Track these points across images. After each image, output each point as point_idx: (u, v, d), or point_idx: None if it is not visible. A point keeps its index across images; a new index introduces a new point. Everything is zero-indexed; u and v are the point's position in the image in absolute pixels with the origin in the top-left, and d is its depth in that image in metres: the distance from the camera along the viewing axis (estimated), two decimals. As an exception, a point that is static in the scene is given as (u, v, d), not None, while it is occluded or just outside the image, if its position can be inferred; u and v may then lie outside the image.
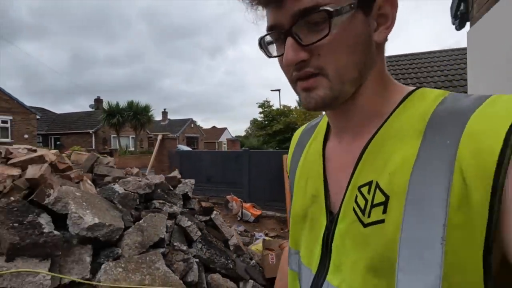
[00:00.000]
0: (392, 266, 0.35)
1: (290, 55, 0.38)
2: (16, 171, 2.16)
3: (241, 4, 0.40)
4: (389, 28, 0.42)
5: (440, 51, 8.97)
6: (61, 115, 27.44)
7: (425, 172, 0.35)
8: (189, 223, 2.81)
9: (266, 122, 18.67)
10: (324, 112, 0.53)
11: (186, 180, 3.44)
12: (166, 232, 2.56)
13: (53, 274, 1.65)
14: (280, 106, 19.57)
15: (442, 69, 7.94)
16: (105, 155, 3.17)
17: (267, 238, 4.62)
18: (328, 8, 0.36)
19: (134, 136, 22.80)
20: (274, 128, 17.11)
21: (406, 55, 9.21)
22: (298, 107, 18.90)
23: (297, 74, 0.41)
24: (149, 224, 2.36)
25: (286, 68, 0.42)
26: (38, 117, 18.85)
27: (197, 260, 2.66)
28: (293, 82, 0.43)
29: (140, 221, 2.32)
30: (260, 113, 18.86)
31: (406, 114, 0.42)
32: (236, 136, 43.49)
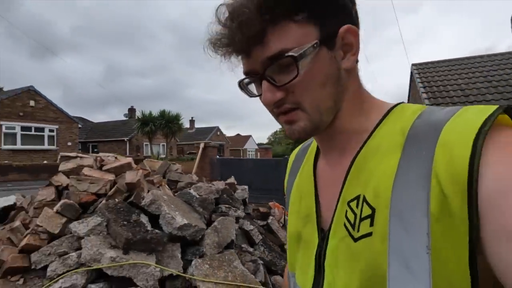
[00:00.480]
0: (384, 279, 0.36)
1: (268, 97, 0.41)
2: (111, 176, 2.47)
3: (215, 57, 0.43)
4: (355, 54, 0.44)
5: (481, 56, 8.68)
6: (98, 123, 29.19)
7: (405, 184, 0.36)
8: (252, 226, 3.00)
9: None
10: None
11: (242, 187, 3.65)
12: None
13: (160, 266, 1.89)
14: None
15: (485, 75, 7.68)
16: (173, 162, 3.45)
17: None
18: (292, 54, 0.38)
19: (164, 143, 23.72)
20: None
21: (444, 61, 9.01)
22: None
23: (277, 110, 0.44)
24: (222, 226, 2.57)
25: (265, 106, 0.44)
26: (79, 126, 20.23)
27: (261, 262, 2.83)
28: (276, 116, 0.46)
29: (215, 223, 2.54)
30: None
31: (387, 129, 0.44)
32: (259, 144, 43.82)
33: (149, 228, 2.05)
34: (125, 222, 2.00)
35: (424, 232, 0.33)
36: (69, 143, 19.10)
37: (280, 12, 0.38)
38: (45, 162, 15.65)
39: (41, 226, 1.96)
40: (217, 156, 8.69)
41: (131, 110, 29.72)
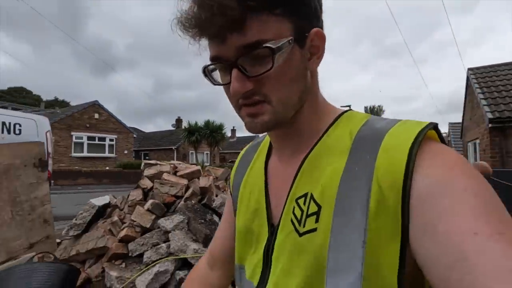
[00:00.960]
0: (323, 271, 0.38)
1: (237, 86, 0.40)
2: (185, 181, 2.85)
3: (185, 37, 0.41)
4: (320, 57, 0.46)
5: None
6: (149, 133, 31.65)
7: (350, 183, 0.39)
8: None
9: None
10: None
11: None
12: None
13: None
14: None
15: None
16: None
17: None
18: (270, 45, 0.38)
19: (208, 152, 24.85)
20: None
21: (506, 64, 8.35)
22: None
23: (243, 101, 0.43)
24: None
25: (233, 96, 0.43)
26: (134, 135, 22.17)
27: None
28: (238, 107, 0.44)
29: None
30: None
31: (338, 132, 0.46)
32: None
33: (221, 226, 2.36)
34: (202, 221, 2.33)
35: (362, 228, 0.36)
36: (125, 151, 21.02)
37: (261, 2, 0.38)
38: (107, 168, 17.43)
39: (135, 221, 2.37)
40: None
41: (178, 121, 31.72)
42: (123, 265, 2.21)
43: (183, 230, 2.29)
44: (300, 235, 0.42)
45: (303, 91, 0.45)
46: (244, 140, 35.32)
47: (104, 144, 19.64)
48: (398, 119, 0.43)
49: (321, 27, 0.45)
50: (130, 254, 2.28)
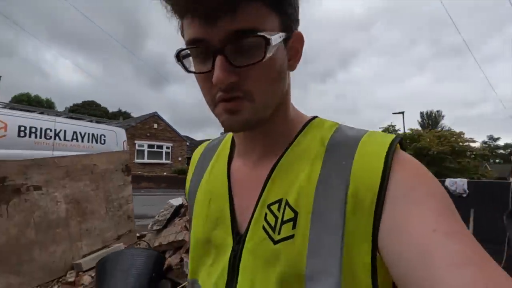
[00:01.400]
0: (301, 278, 0.37)
1: (222, 75, 0.36)
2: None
3: (164, 11, 0.37)
4: (298, 60, 0.45)
5: None
6: (200, 141, 33.50)
7: (326, 188, 0.39)
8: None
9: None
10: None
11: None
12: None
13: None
14: (405, 130, 18.08)
15: None
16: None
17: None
18: (265, 35, 0.35)
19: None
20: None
21: None
22: (419, 129, 16.82)
23: (222, 95, 0.39)
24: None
25: (213, 87, 0.39)
26: (187, 143, 23.77)
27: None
28: (215, 103, 0.41)
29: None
30: (383, 138, 17.70)
31: (309, 138, 0.46)
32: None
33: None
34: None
35: (340, 231, 0.37)
36: (179, 158, 22.63)
37: None
38: (164, 173, 19.03)
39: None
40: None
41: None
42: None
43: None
44: (275, 242, 0.40)
45: (283, 91, 0.44)
46: None
47: (162, 152, 21.43)
48: (365, 129, 0.46)
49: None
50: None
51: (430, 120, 49.48)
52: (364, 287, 0.36)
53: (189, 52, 0.40)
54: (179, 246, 2.75)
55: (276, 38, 0.37)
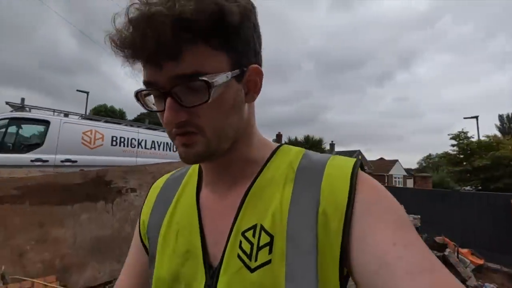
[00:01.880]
0: None
1: (171, 116, 0.39)
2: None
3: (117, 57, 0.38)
4: (257, 92, 0.46)
5: None
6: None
7: (298, 211, 0.41)
8: (429, 255, 3.14)
9: (462, 156, 15.78)
10: None
11: (414, 215, 3.80)
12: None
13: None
14: (479, 136, 16.07)
15: None
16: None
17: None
18: (207, 79, 0.37)
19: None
20: (477, 163, 14.08)
21: None
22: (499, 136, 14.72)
23: (176, 131, 0.41)
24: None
25: (165, 125, 0.41)
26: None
27: None
28: (173, 136, 0.43)
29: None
30: (453, 145, 16.15)
31: (278, 164, 0.48)
32: (407, 169, 38.50)
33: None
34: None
35: (314, 253, 0.38)
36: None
37: (197, 32, 0.36)
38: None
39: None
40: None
41: (278, 136, 33.17)
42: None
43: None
44: (252, 270, 0.40)
45: (239, 124, 0.45)
46: (343, 154, 33.08)
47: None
48: (328, 154, 0.48)
49: (259, 63, 0.46)
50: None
51: (511, 123, 42.79)
52: None
53: (148, 92, 0.42)
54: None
55: (222, 78, 0.38)
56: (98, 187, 3.13)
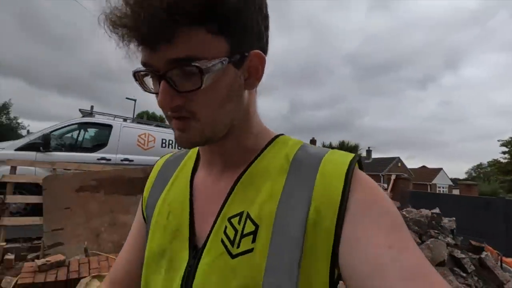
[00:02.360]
0: None
1: (165, 100, 0.38)
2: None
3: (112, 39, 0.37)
4: (259, 78, 0.45)
5: None
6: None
7: (288, 203, 0.40)
8: (463, 255, 3.20)
9: (515, 164, 14.63)
10: None
11: (449, 218, 3.84)
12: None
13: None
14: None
15: None
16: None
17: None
18: (199, 65, 0.36)
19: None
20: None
21: None
22: None
23: (172, 114, 0.41)
24: (434, 246, 3.02)
25: (160, 108, 0.41)
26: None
27: (476, 290, 2.97)
28: (169, 119, 0.43)
29: (428, 242, 3.03)
30: (504, 152, 15.07)
31: (274, 154, 0.47)
32: (453, 179, 35.79)
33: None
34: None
35: (299, 248, 0.37)
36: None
37: (192, 15, 0.35)
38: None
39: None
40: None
41: (312, 141, 32.95)
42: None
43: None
44: (233, 257, 0.40)
45: (236, 111, 0.44)
46: (380, 161, 32.47)
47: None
48: (327, 148, 0.47)
49: (263, 47, 0.44)
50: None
51: None
52: None
53: (146, 73, 0.41)
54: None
55: (216, 65, 0.37)
56: (157, 180, 3.63)
